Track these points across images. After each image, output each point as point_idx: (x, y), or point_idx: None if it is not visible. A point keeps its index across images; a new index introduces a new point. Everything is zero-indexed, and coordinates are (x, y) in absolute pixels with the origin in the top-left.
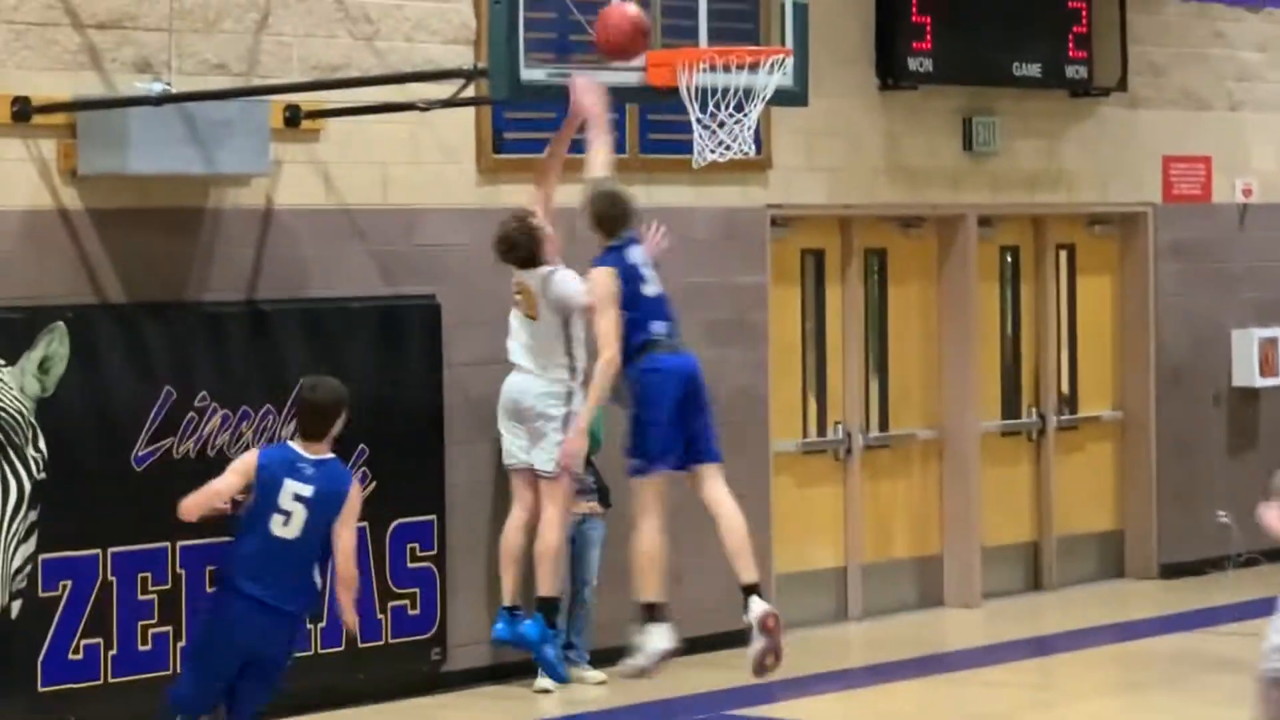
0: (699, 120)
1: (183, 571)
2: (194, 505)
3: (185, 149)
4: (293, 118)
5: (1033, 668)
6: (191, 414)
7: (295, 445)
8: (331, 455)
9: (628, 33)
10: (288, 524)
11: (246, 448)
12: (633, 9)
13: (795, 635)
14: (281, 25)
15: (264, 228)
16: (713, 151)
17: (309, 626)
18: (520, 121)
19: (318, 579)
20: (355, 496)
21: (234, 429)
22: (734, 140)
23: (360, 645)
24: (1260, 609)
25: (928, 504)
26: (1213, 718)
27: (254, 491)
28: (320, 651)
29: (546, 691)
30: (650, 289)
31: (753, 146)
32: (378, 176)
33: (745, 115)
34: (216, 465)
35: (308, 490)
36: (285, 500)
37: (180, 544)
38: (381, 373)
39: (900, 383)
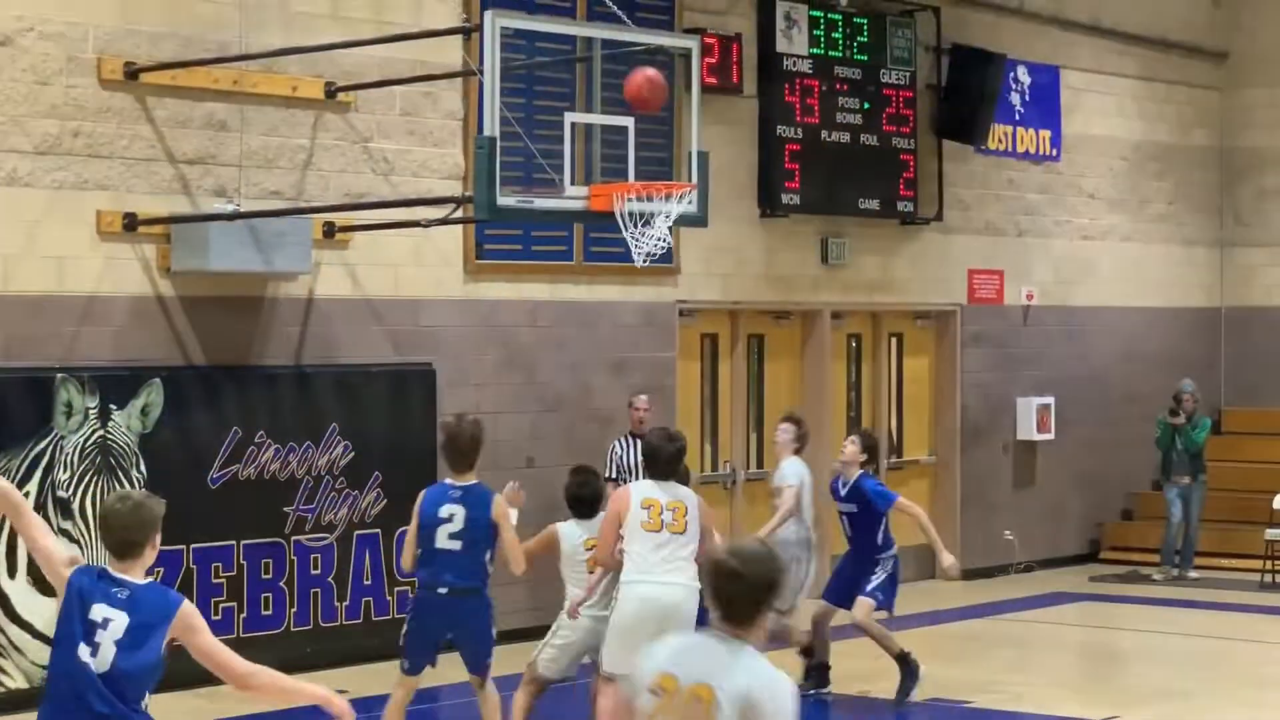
0: (631, 235)
1: (244, 563)
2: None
3: (250, 253)
4: (329, 231)
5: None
6: (252, 447)
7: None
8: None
9: (646, 87)
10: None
11: (292, 473)
12: (650, 72)
13: None
14: (322, 164)
15: (307, 312)
16: (640, 259)
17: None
18: (496, 236)
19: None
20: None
21: (283, 459)
22: (655, 250)
23: (374, 619)
24: (1036, 603)
25: None
26: (999, 678)
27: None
28: (345, 622)
29: None
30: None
31: (663, 249)
32: (391, 275)
33: (661, 232)
34: (269, 485)
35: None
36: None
37: (243, 543)
38: (391, 420)
39: (772, 434)
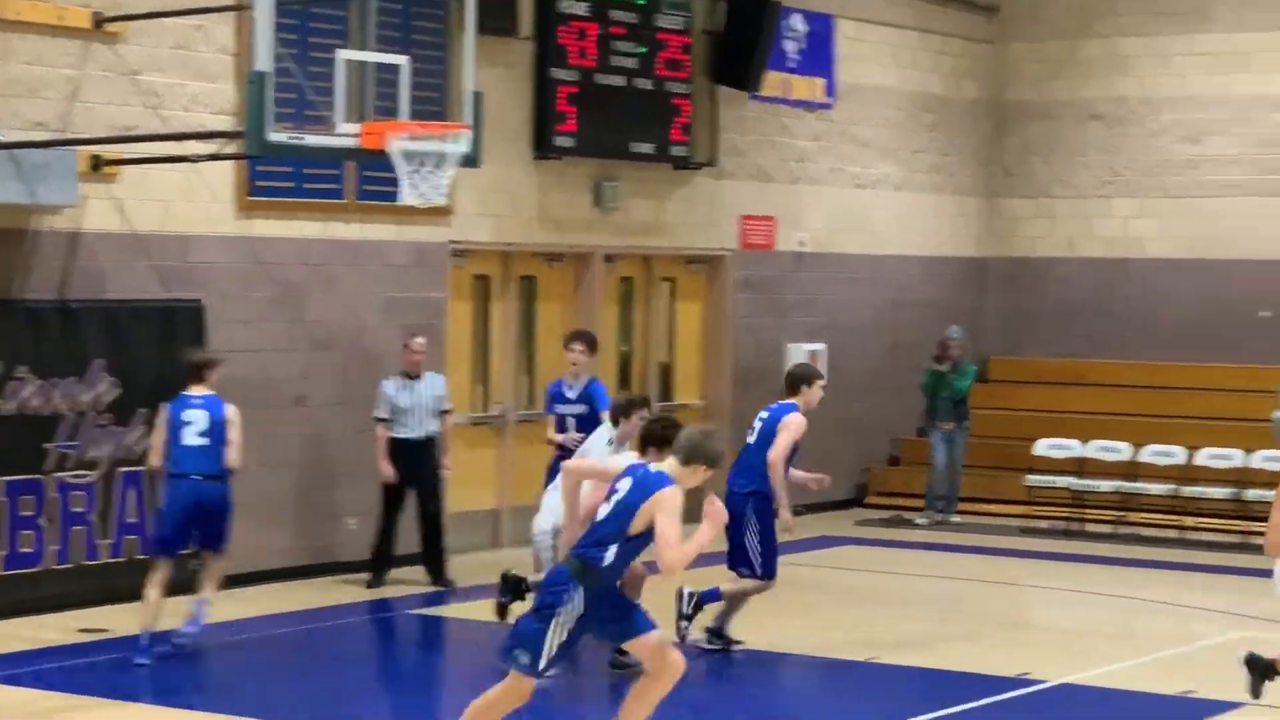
0: (405, 174)
1: (4, 500)
2: None
3: (13, 184)
4: (96, 164)
5: None
6: (13, 382)
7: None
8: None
9: None
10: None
11: (55, 409)
12: None
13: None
14: (89, 95)
15: (73, 246)
16: (411, 198)
17: None
18: (267, 173)
19: None
20: None
21: (46, 394)
22: (431, 190)
23: (137, 557)
24: (802, 546)
25: None
26: (764, 621)
27: None
28: (107, 560)
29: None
30: None
31: (443, 196)
32: (161, 210)
33: (436, 173)
34: (31, 421)
35: None
36: None
37: (3, 479)
38: (159, 356)
39: (544, 375)
